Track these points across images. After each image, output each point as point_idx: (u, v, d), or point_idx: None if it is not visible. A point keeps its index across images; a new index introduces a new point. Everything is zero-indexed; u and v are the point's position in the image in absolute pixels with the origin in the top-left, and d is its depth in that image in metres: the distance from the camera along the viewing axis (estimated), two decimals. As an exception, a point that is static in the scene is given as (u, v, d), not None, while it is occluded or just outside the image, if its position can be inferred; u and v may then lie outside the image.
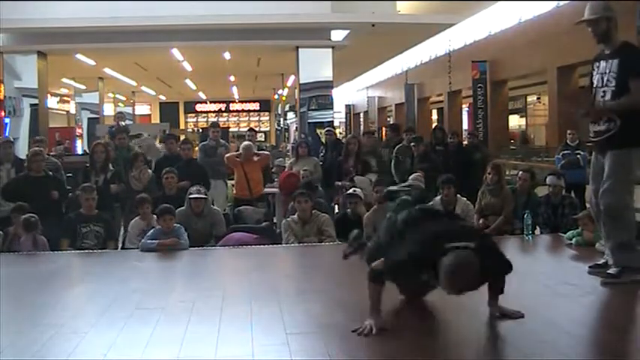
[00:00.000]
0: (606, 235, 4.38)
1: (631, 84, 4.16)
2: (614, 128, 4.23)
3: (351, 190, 7.00)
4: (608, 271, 4.29)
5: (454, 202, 6.72)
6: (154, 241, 5.92)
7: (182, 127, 34.13)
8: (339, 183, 8.34)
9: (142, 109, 34.44)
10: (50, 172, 7.45)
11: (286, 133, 29.15)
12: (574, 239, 5.64)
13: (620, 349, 3.19)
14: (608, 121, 4.26)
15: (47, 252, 6.04)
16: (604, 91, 4.32)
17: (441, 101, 24.71)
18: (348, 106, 35.69)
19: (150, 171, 8.05)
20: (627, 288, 4.16)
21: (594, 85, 4.43)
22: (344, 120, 35.57)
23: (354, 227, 6.53)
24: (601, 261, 4.52)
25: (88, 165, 7.89)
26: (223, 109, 38.31)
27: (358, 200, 6.82)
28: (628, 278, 4.20)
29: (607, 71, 4.30)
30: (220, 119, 35.48)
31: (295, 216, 6.33)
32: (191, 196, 6.50)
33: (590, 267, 4.54)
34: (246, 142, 8.90)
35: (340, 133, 28.28)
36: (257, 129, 36.34)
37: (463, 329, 3.45)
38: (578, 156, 9.61)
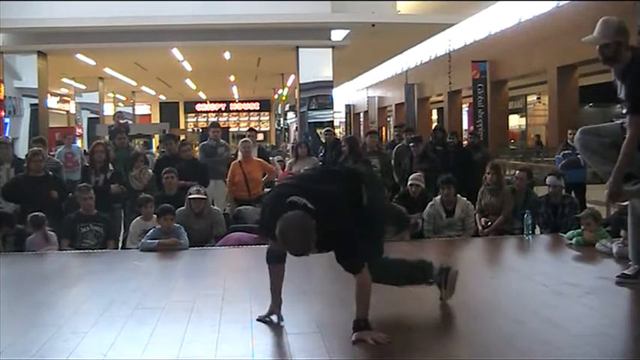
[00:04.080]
0: None
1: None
2: None
3: None
4: (625, 272, 4.19)
5: (454, 202, 6.72)
6: (154, 241, 5.91)
7: (182, 127, 34.17)
8: None
9: (142, 109, 34.45)
10: (50, 172, 7.45)
11: (286, 133, 29.17)
12: (574, 239, 5.64)
13: (622, 349, 3.19)
14: None
15: (47, 252, 6.03)
16: (625, 111, 4.08)
17: (441, 101, 24.72)
18: (348, 106, 35.69)
19: (150, 171, 8.05)
20: (628, 287, 4.16)
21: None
22: (344, 120, 35.57)
23: None
24: (628, 270, 4.28)
25: (87, 165, 7.90)
26: (223, 109, 38.34)
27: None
28: None
29: (620, 93, 4.09)
30: (220, 119, 35.53)
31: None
32: (191, 196, 6.49)
33: (617, 277, 4.30)
34: (243, 140, 8.80)
35: (340, 133, 28.30)
36: (257, 129, 36.41)
37: (464, 329, 3.45)
38: (578, 156, 9.60)
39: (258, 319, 3.58)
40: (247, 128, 12.26)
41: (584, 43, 4.25)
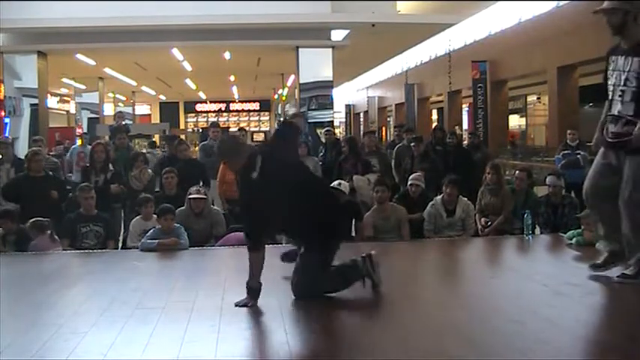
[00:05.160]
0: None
1: None
2: (632, 132, 4.01)
3: (336, 183, 6.80)
4: (625, 272, 4.22)
5: (455, 202, 6.72)
6: (154, 240, 5.92)
7: (182, 127, 34.16)
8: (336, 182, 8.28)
9: (142, 109, 34.44)
10: (50, 172, 7.45)
11: (286, 133, 29.10)
12: (574, 239, 5.64)
13: (621, 349, 3.19)
14: (628, 124, 4.07)
15: (47, 252, 6.02)
16: (622, 91, 4.09)
17: (441, 101, 24.71)
18: (348, 106, 35.70)
19: (150, 171, 8.06)
20: (628, 287, 4.16)
21: (611, 83, 4.18)
22: (344, 120, 35.57)
23: None
24: (600, 260, 4.45)
25: (88, 165, 7.90)
26: (223, 109, 38.32)
27: (340, 195, 6.62)
28: None
29: (626, 69, 4.07)
30: (220, 119, 35.49)
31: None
32: (191, 196, 6.49)
33: (617, 277, 4.33)
34: None
35: (340, 133, 28.30)
36: (257, 129, 36.41)
37: (464, 329, 3.45)
38: (578, 156, 9.61)
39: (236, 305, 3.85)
40: (237, 128, 12.22)
41: (596, 13, 4.24)
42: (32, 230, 6.03)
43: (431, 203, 6.75)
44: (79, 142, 14.38)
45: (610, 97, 4.21)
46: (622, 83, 4.10)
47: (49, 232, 6.04)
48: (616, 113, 4.17)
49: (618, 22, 4.09)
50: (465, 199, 6.84)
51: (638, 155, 4.06)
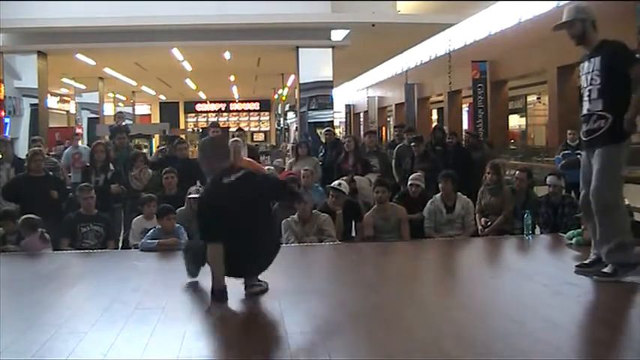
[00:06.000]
0: (601, 235, 4.34)
1: (632, 74, 4.17)
2: (604, 126, 4.24)
3: (336, 183, 6.78)
4: (603, 270, 4.30)
5: (454, 198, 6.73)
6: (153, 241, 5.92)
7: (182, 127, 34.15)
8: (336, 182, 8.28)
9: (142, 109, 34.42)
10: (50, 172, 7.45)
11: (286, 133, 29.16)
12: (574, 239, 5.64)
13: (620, 348, 3.19)
14: (599, 119, 4.28)
15: (47, 252, 6.03)
16: (589, 90, 4.35)
17: (441, 101, 24.71)
18: (348, 106, 35.70)
19: (150, 171, 8.07)
20: (627, 287, 4.16)
21: (582, 87, 4.46)
22: (344, 120, 35.57)
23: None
24: (587, 260, 4.57)
25: (88, 165, 7.90)
26: (223, 109, 38.32)
27: (340, 195, 6.60)
28: (623, 276, 4.25)
29: (590, 70, 4.35)
30: (220, 119, 35.50)
31: (295, 216, 6.33)
32: (191, 196, 6.50)
33: (577, 266, 4.60)
34: (233, 139, 8.80)
35: (340, 133, 28.30)
36: (257, 129, 36.40)
37: (464, 329, 3.45)
38: (578, 156, 9.58)
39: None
40: (237, 128, 12.20)
41: (556, 29, 4.73)
42: (23, 228, 6.02)
43: (430, 200, 6.77)
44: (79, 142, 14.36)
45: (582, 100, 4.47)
46: (589, 84, 4.37)
47: (40, 230, 6.03)
48: (586, 112, 4.39)
49: (579, 32, 4.48)
50: (465, 196, 6.85)
51: (604, 148, 4.24)
